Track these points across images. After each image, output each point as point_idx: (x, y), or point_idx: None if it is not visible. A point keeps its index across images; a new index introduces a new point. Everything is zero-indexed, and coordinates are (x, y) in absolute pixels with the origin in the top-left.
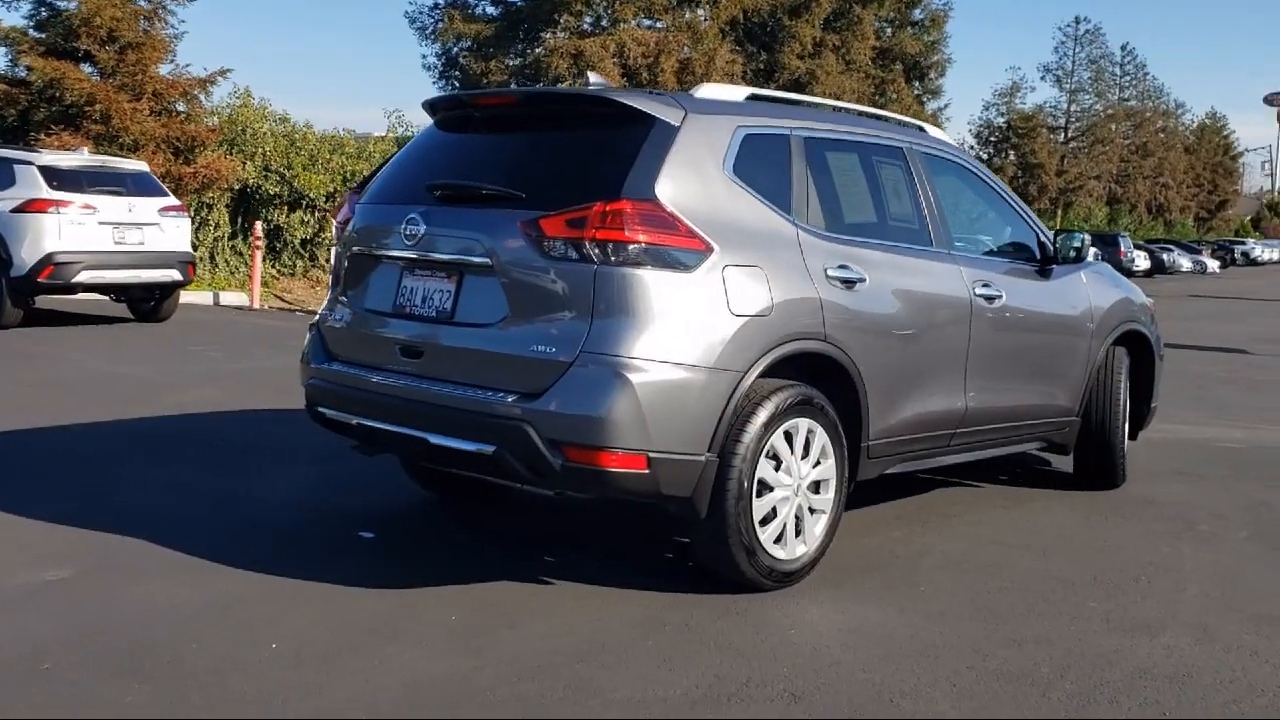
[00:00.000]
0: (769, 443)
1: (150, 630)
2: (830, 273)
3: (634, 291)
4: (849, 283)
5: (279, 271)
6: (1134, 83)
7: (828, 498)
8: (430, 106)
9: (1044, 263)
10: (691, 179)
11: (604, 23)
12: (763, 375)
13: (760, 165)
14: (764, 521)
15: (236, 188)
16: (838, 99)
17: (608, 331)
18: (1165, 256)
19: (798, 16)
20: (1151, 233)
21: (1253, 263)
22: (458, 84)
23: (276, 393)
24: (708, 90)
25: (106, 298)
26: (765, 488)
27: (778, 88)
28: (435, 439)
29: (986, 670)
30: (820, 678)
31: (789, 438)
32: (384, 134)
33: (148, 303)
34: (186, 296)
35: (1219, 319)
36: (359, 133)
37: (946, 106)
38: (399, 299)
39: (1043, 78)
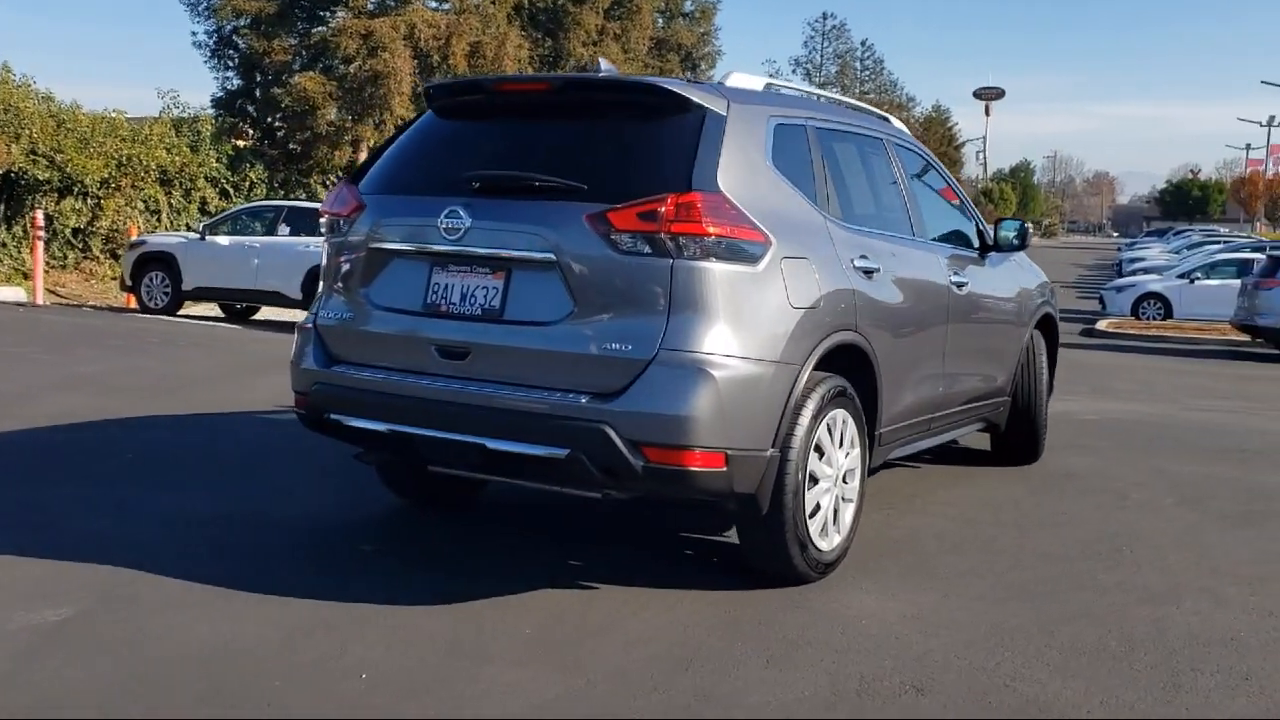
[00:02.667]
0: (816, 435)
1: (216, 670)
2: (856, 263)
3: (710, 285)
4: (868, 273)
5: (49, 264)
6: (873, 77)
7: (854, 486)
8: (442, 90)
9: (982, 250)
10: (744, 170)
11: (390, 3)
12: (815, 368)
13: (790, 156)
14: (811, 514)
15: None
16: None
17: (686, 327)
18: None
19: (581, 3)
20: None
21: None
22: (232, 63)
23: (152, 397)
24: (737, 79)
25: None
26: (812, 480)
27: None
28: (494, 444)
29: (1064, 648)
30: (926, 668)
31: (829, 429)
32: (158, 115)
33: None
34: None
35: None
36: (131, 115)
37: None
38: (430, 297)
39: (794, 71)
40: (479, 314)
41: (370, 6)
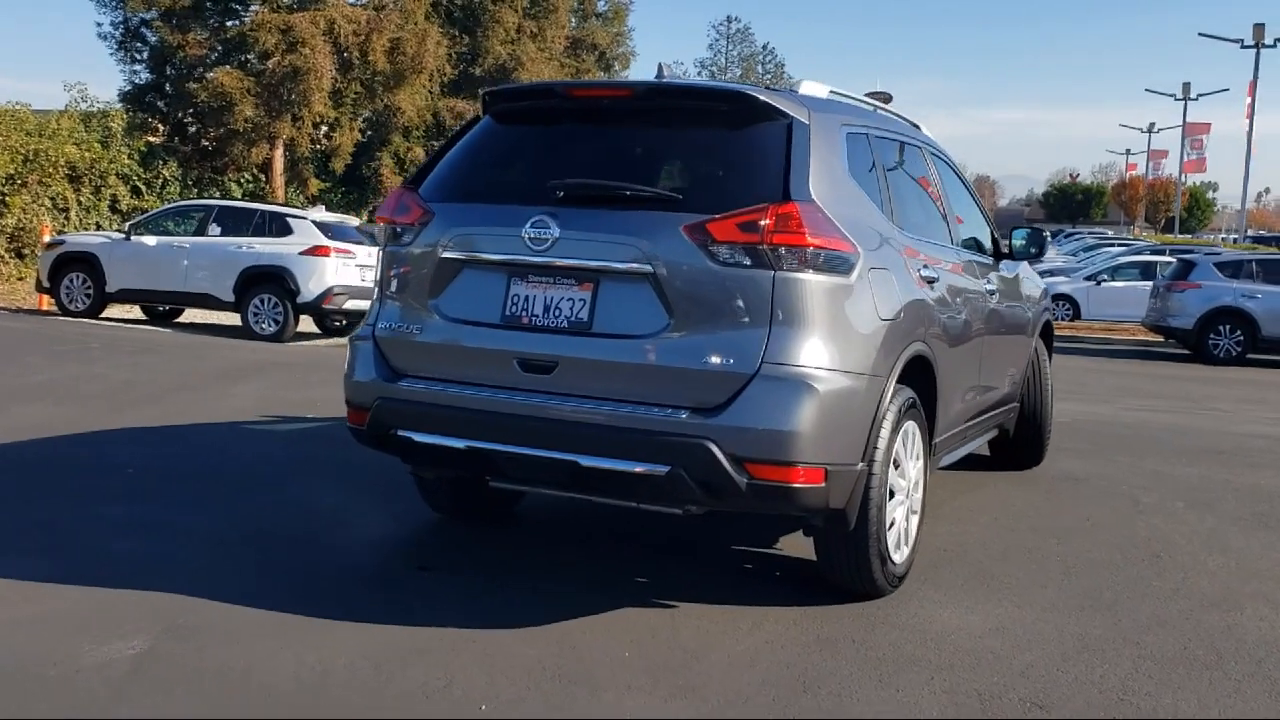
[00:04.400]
0: (894, 448)
1: (323, 703)
2: (922, 273)
3: (811, 297)
4: (930, 282)
5: None
6: (774, 81)
7: (919, 498)
8: (506, 95)
9: (996, 258)
10: (830, 180)
11: None
12: (897, 380)
13: (860, 165)
14: (889, 527)
15: None
16: None
17: (787, 340)
18: None
19: (500, 1)
20: None
21: None
22: (141, 56)
23: (125, 407)
24: (809, 88)
25: None
26: (890, 493)
27: (483, 73)
28: (588, 461)
29: (1156, 658)
30: (1035, 684)
31: (904, 442)
32: (64, 109)
33: None
34: None
35: None
36: (36, 108)
37: None
38: (510, 308)
39: (699, 73)
40: (565, 326)
41: (288, 1)
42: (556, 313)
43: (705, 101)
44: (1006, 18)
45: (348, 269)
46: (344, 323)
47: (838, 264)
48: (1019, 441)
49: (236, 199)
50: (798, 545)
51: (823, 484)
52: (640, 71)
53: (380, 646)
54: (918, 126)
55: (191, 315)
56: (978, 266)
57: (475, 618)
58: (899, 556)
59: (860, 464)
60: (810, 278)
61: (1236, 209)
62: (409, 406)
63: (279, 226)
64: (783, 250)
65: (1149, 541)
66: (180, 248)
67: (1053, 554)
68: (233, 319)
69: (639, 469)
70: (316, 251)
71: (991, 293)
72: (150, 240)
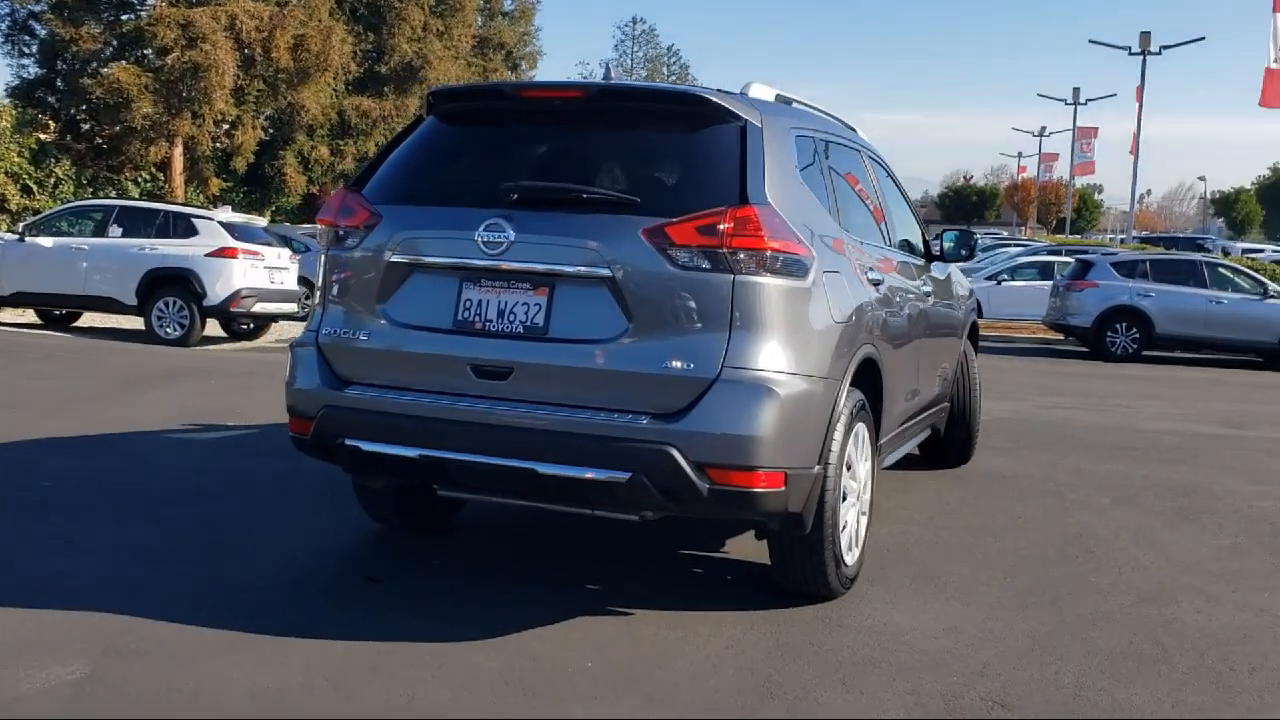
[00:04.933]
0: (847, 450)
1: None
2: (869, 275)
3: (770, 301)
4: (876, 284)
5: None
6: (679, 82)
7: (867, 499)
8: (451, 95)
9: (928, 259)
10: (783, 183)
11: None
12: (850, 383)
13: (808, 168)
14: (841, 530)
15: None
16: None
17: (747, 344)
18: None
19: None
20: None
21: None
22: (29, 50)
23: (36, 417)
24: (757, 90)
25: None
26: (843, 495)
27: (388, 71)
28: (546, 468)
29: (1104, 653)
30: (994, 683)
31: (854, 443)
32: None
33: None
34: None
35: None
36: None
37: None
38: (462, 313)
39: (605, 74)
40: (520, 332)
41: None
42: (511, 317)
43: (658, 104)
44: (902, 24)
45: (256, 271)
46: (250, 326)
47: (794, 267)
48: (949, 441)
49: (134, 198)
50: (745, 549)
51: (783, 488)
52: (547, 71)
53: (336, 663)
54: (853, 129)
55: (90, 319)
56: (914, 268)
57: (429, 630)
58: (850, 558)
59: (817, 467)
60: (768, 281)
61: (1121, 210)
62: (356, 415)
63: (184, 227)
64: (741, 254)
65: (1081, 538)
66: (79, 249)
67: (992, 552)
68: (134, 323)
69: (599, 476)
70: (223, 253)
71: (927, 294)
72: (46, 241)
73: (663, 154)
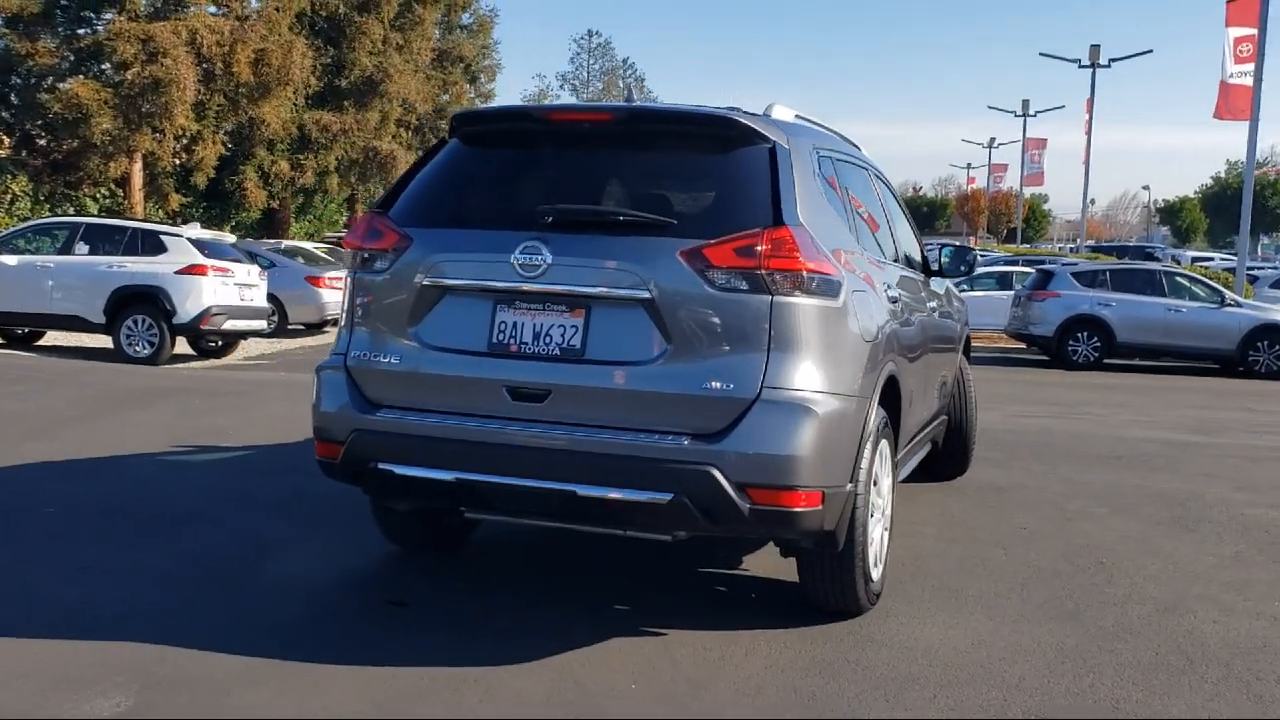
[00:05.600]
0: (874, 467)
1: None
2: (888, 293)
3: (806, 321)
4: (894, 301)
5: None
6: (636, 94)
7: (889, 514)
8: (475, 118)
9: (927, 274)
10: (812, 203)
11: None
12: (878, 401)
13: (830, 187)
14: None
15: None
16: (406, 99)
17: (785, 364)
18: None
19: (367, 13)
20: None
21: None
22: None
23: (20, 440)
24: (778, 111)
25: None
26: (870, 512)
27: (349, 85)
28: (586, 490)
29: (1134, 665)
30: (1030, 696)
31: (879, 460)
32: None
33: None
34: None
35: None
36: None
37: None
38: (497, 336)
39: (561, 87)
40: (557, 354)
41: (146, 10)
42: (547, 340)
43: (687, 126)
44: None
45: (226, 288)
46: (219, 343)
47: (828, 288)
48: (947, 453)
49: (93, 214)
50: (764, 565)
51: (820, 507)
52: (506, 83)
53: (381, 690)
54: (858, 148)
55: (54, 338)
56: (919, 284)
57: (466, 653)
58: (876, 574)
59: (849, 485)
60: (804, 301)
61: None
62: (389, 438)
63: (152, 244)
64: (778, 275)
65: (1088, 549)
66: (44, 267)
67: (1004, 564)
68: (101, 341)
69: (640, 497)
70: (193, 270)
71: (932, 309)
72: (10, 259)
73: (694, 176)
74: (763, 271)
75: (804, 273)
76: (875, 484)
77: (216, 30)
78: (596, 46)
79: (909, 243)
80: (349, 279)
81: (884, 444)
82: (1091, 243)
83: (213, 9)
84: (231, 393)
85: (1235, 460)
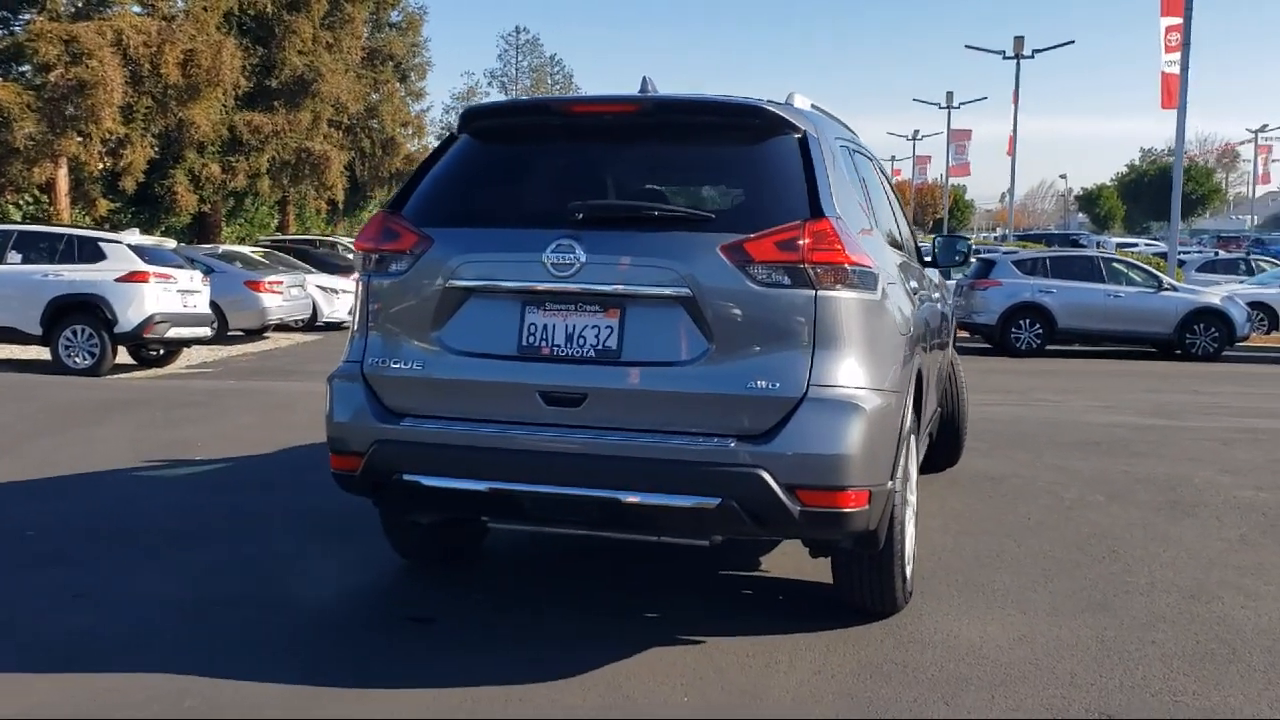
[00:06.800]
0: (908, 463)
1: None
2: (909, 285)
3: (850, 315)
4: (915, 292)
5: None
6: (563, 91)
7: (915, 510)
8: (488, 112)
9: (922, 265)
10: (843, 195)
11: (85, 6)
12: (912, 395)
13: (852, 177)
14: None
15: None
16: (338, 99)
17: (830, 360)
18: None
19: (296, 11)
20: None
21: None
22: None
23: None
24: (800, 100)
25: None
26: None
27: (280, 85)
28: (631, 496)
29: (1179, 655)
30: (1087, 692)
31: (910, 456)
32: None
33: None
34: None
35: None
36: None
37: (429, 109)
38: (527, 339)
39: (490, 84)
40: (592, 356)
41: (68, 10)
42: (581, 341)
43: (715, 116)
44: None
45: (169, 295)
46: (160, 352)
47: (868, 280)
48: (940, 444)
49: (16, 222)
50: (781, 566)
51: (866, 506)
52: (438, 81)
53: (429, 711)
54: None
55: None
56: (922, 275)
57: (505, 670)
58: (909, 571)
59: (890, 482)
60: (847, 295)
61: (986, 209)
62: (415, 448)
63: (90, 252)
64: (821, 268)
65: (1096, 538)
66: None
67: (1020, 556)
68: (38, 353)
69: (687, 503)
70: (134, 277)
71: (936, 300)
72: None
73: (725, 167)
74: (806, 265)
75: (846, 265)
76: (908, 480)
77: (143, 31)
78: (525, 43)
79: (909, 233)
80: (361, 283)
81: (913, 439)
82: (1018, 232)
83: (137, 9)
84: (189, 404)
85: (1211, 443)
